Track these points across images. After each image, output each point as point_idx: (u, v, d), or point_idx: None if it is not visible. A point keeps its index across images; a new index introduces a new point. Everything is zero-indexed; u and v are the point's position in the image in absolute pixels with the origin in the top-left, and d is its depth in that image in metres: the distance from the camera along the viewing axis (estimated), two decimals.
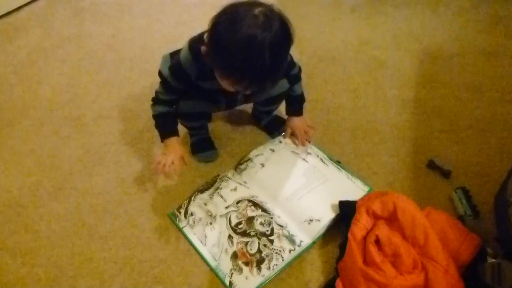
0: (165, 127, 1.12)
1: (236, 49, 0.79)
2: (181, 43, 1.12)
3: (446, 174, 1.15)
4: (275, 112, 1.31)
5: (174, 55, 1.04)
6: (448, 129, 1.28)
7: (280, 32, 0.81)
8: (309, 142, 1.23)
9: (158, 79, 1.06)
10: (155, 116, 1.11)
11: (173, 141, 1.11)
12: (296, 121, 1.23)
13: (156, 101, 1.09)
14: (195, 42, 0.97)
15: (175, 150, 1.09)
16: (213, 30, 0.83)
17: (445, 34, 1.64)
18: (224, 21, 0.81)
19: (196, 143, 1.25)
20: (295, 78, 1.15)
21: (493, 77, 1.44)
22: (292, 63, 1.10)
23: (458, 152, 1.22)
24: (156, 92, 1.08)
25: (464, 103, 1.36)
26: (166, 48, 1.62)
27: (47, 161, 1.28)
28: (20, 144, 1.33)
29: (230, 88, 0.90)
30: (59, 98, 1.48)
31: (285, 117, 1.29)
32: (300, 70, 1.15)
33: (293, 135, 1.24)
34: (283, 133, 1.27)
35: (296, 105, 1.21)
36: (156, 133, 1.33)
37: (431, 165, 1.17)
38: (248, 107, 1.35)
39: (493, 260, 0.88)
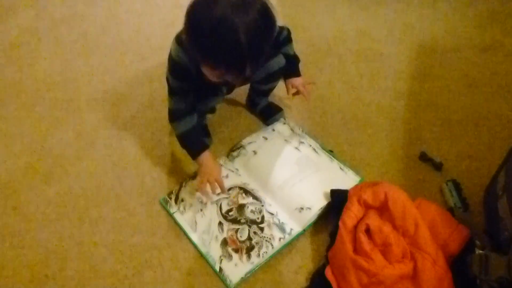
0: (192, 144, 1.07)
1: (209, 30, 0.78)
2: (177, 27, 1.10)
3: (437, 166, 1.15)
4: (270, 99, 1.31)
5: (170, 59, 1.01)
6: (441, 122, 1.28)
7: (258, 13, 0.79)
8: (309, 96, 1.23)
9: (161, 82, 1.03)
10: (179, 136, 1.07)
11: (205, 158, 1.05)
12: (295, 81, 1.21)
13: (174, 116, 1.05)
14: (181, 35, 0.95)
15: (208, 172, 1.03)
16: (188, 13, 0.83)
17: (442, 28, 1.63)
18: (198, 4, 0.81)
19: None
20: (285, 41, 1.13)
21: (488, 72, 1.45)
22: (279, 28, 1.07)
23: (450, 145, 1.22)
24: (171, 110, 1.05)
25: (458, 97, 1.36)
26: (161, 32, 1.63)
27: (38, 143, 1.26)
28: (11, 126, 1.31)
29: (213, 77, 0.88)
30: (51, 80, 1.46)
31: (280, 104, 1.31)
32: (289, 32, 1.13)
33: (295, 94, 1.21)
34: (281, 119, 1.27)
35: (292, 66, 1.19)
36: (147, 118, 1.32)
37: (423, 157, 1.18)
38: (242, 93, 1.34)
39: (481, 252, 0.89)
